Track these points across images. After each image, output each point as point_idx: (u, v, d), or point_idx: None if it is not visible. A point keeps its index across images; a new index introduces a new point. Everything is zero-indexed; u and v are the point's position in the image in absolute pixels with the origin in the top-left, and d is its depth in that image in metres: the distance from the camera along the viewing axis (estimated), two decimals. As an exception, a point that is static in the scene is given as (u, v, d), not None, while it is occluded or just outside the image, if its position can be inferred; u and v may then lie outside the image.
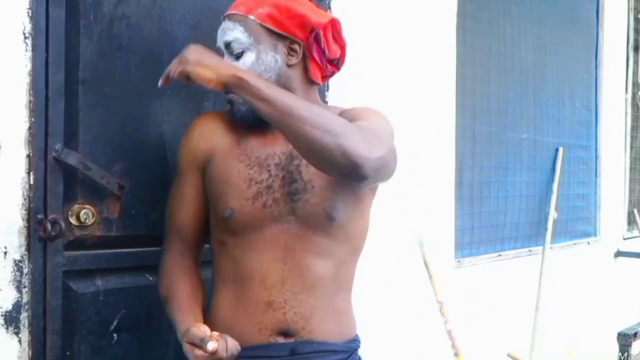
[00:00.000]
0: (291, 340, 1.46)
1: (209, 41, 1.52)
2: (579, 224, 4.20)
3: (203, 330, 1.31)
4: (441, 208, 2.95)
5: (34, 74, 1.51)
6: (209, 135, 1.55)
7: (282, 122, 1.32)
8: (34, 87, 1.51)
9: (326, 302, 1.50)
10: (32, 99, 1.51)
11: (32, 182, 1.52)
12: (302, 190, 1.47)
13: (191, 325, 1.35)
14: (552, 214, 3.76)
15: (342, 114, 1.51)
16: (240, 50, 1.49)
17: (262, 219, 1.47)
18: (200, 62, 1.37)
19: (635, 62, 4.84)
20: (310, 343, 1.47)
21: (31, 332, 1.52)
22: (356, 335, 1.60)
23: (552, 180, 3.81)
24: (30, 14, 1.51)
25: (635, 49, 4.84)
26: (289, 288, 1.46)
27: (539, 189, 3.77)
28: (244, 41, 1.48)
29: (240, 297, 1.48)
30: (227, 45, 1.51)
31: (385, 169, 1.41)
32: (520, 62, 3.58)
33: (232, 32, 1.49)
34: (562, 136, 3.97)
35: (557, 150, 3.88)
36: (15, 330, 1.51)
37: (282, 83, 1.49)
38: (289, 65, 1.51)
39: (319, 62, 1.53)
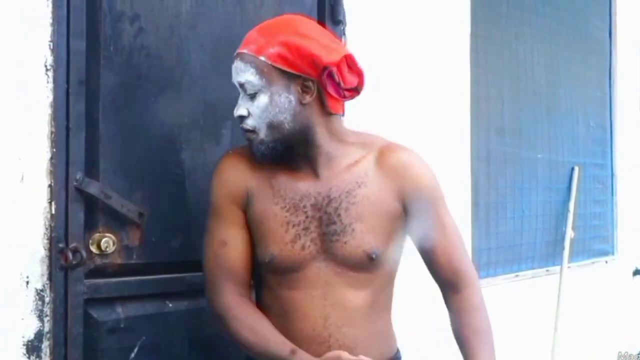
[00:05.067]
0: None
1: (227, 69, 1.53)
2: (596, 242, 4.17)
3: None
4: (458, 229, 2.93)
5: (55, 105, 1.54)
6: (243, 176, 1.53)
7: None
8: (55, 118, 1.53)
9: (368, 330, 1.52)
10: (53, 129, 1.54)
11: (53, 212, 1.53)
12: (340, 232, 1.49)
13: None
14: (569, 233, 3.73)
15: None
16: (253, 92, 1.46)
17: (302, 260, 1.49)
18: None
19: (649, 79, 4.82)
20: None
21: (53, 361, 1.53)
22: (397, 351, 1.63)
23: (568, 199, 3.79)
24: (51, 47, 1.53)
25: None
26: (332, 322, 1.49)
27: (555, 208, 3.75)
28: (256, 83, 1.45)
29: (282, 330, 1.48)
30: (241, 85, 1.48)
31: None
32: (533, 81, 3.58)
33: (244, 74, 1.46)
34: (577, 155, 3.96)
35: (572, 169, 3.86)
36: (37, 358, 1.51)
37: (299, 122, 1.47)
38: (303, 104, 1.47)
39: (336, 95, 1.47)
